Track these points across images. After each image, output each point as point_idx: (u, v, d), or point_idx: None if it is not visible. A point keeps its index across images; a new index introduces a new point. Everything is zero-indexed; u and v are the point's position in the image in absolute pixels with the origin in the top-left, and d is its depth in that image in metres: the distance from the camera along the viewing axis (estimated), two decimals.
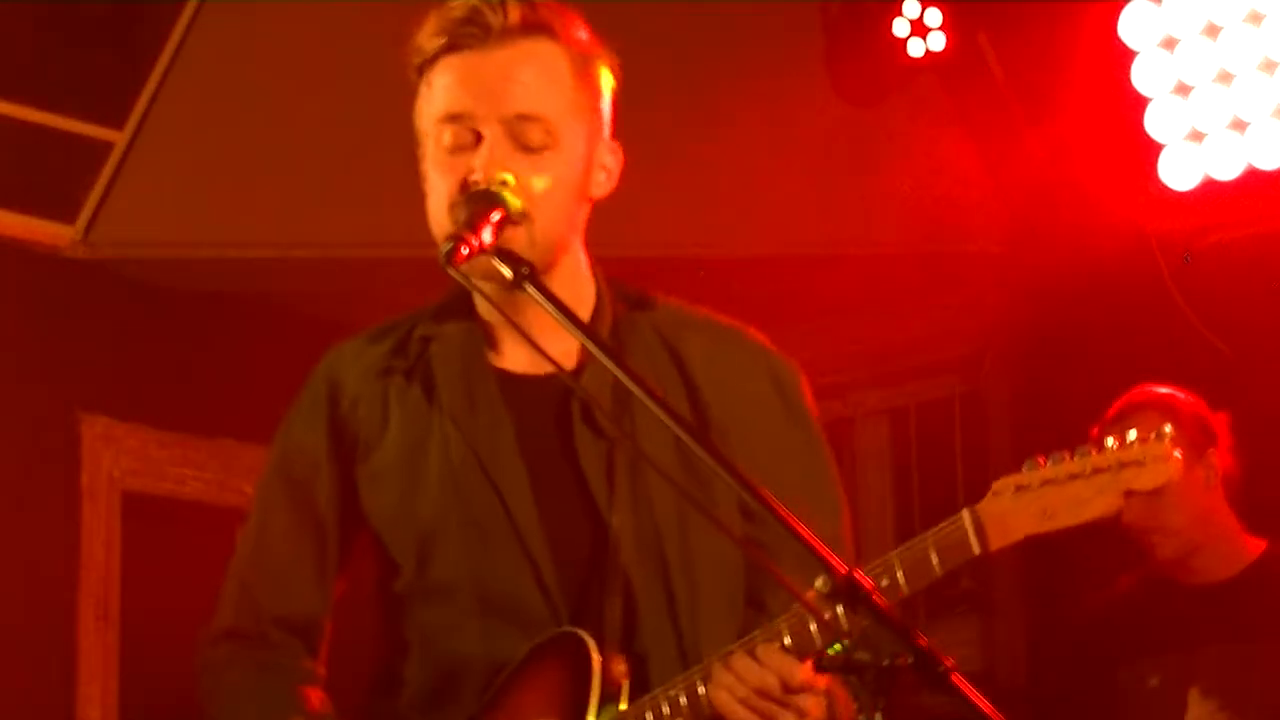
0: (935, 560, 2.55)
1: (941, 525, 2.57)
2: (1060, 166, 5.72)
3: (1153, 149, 5.39)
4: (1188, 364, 5.04)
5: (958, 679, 2.22)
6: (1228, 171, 5.31)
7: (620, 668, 2.71)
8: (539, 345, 2.61)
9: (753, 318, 7.26)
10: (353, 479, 2.88)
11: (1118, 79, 5.40)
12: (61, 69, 5.82)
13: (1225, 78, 5.31)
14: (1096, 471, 2.51)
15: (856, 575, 2.26)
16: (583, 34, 2.83)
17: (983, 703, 2.23)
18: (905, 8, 5.63)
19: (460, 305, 2.89)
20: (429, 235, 2.79)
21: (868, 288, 6.46)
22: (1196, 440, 4.42)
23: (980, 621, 6.44)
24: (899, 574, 2.56)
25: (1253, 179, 5.28)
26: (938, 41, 5.64)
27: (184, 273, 6.27)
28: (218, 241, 6.07)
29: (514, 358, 2.85)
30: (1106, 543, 4.63)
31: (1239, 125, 5.30)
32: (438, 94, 2.79)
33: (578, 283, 2.85)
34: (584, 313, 2.81)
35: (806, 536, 2.32)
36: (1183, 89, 5.36)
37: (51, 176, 5.95)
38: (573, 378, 2.78)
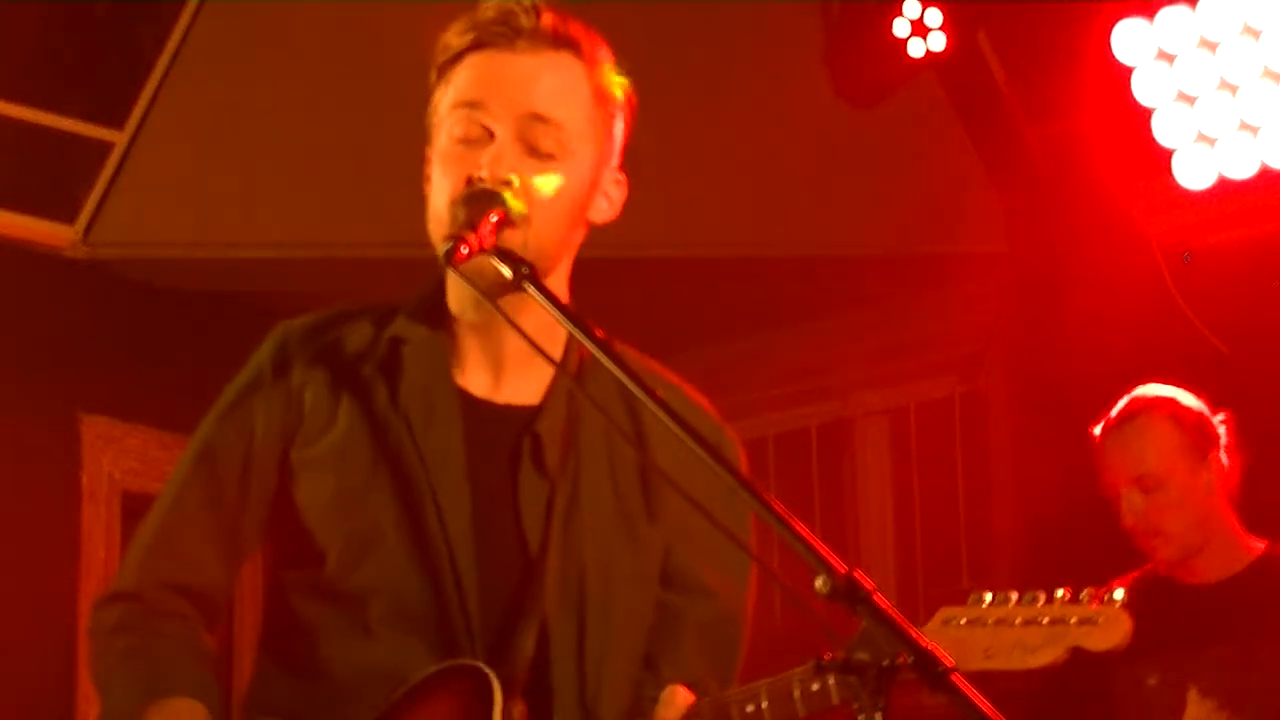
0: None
1: None
2: (1061, 166, 5.72)
3: (1159, 150, 5.38)
4: (1188, 364, 5.04)
5: (958, 679, 2.22)
6: (1242, 171, 5.30)
7: (518, 709, 2.68)
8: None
9: (752, 318, 7.27)
10: (288, 461, 2.83)
11: (1121, 80, 5.40)
12: (61, 69, 5.82)
13: (1229, 87, 5.30)
14: (1052, 622, 2.50)
15: (857, 575, 2.26)
16: (607, 60, 2.83)
17: (983, 703, 2.22)
18: (905, 8, 5.63)
19: (434, 311, 2.86)
20: (429, 235, 2.79)
21: (868, 288, 6.46)
22: (1198, 444, 4.42)
23: None
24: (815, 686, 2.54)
25: (1267, 178, 5.27)
26: (938, 41, 5.63)
27: (184, 273, 6.27)
28: (218, 241, 6.08)
29: (476, 380, 2.82)
30: (1106, 543, 4.64)
31: (1249, 129, 5.29)
32: (456, 86, 2.78)
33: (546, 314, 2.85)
34: (560, 341, 2.80)
35: (808, 537, 2.32)
36: (1186, 98, 5.35)
37: (51, 176, 5.96)
38: (530, 416, 2.78)
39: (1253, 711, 4.32)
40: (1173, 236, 5.52)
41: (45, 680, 5.93)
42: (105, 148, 5.91)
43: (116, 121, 5.89)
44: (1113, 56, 5.37)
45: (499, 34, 2.76)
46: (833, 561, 2.27)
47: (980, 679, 2.34)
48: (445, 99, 2.79)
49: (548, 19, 2.77)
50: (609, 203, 2.84)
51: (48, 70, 5.81)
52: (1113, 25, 5.37)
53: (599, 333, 2.61)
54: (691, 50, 5.77)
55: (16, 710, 5.79)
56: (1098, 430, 4.49)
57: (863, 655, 2.24)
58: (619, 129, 2.85)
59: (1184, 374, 4.59)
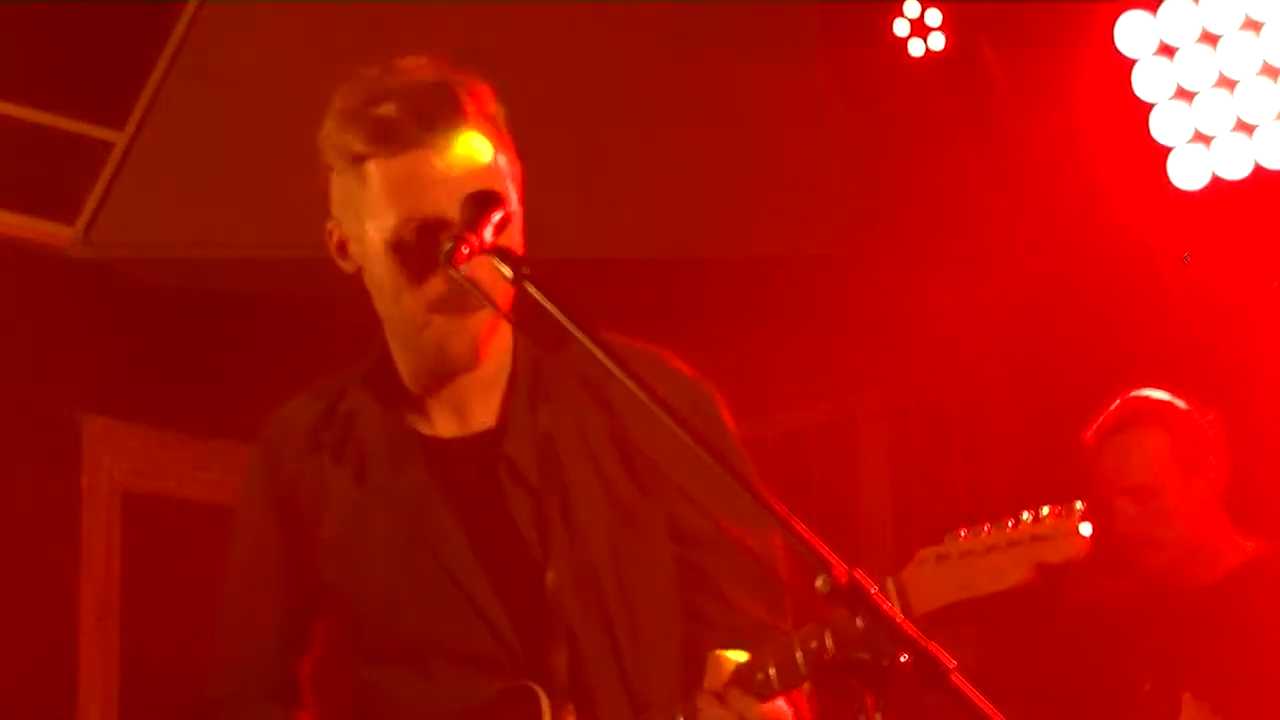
0: (859, 621, 2.58)
1: None
2: (1061, 166, 5.72)
3: (1157, 149, 5.38)
4: (1187, 364, 5.04)
5: (958, 679, 2.23)
6: (1236, 171, 5.30)
7: (569, 718, 2.74)
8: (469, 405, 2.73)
9: (752, 318, 7.27)
10: (308, 546, 2.93)
11: (1120, 80, 5.40)
12: (61, 69, 5.82)
13: (1227, 83, 5.30)
14: (1011, 545, 2.57)
15: (857, 575, 2.26)
16: (482, 101, 2.81)
17: (983, 703, 2.23)
18: (905, 8, 5.63)
19: (385, 372, 2.91)
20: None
21: (868, 288, 6.46)
22: (1191, 453, 4.42)
23: (980, 621, 6.43)
24: (826, 638, 2.60)
25: (1260, 179, 5.28)
26: (938, 41, 5.63)
27: (184, 273, 6.27)
28: (218, 241, 6.07)
29: (441, 423, 2.88)
30: (1099, 548, 4.63)
31: (1245, 128, 5.29)
32: (395, 195, 2.76)
33: (504, 330, 2.88)
34: (506, 360, 2.87)
35: (804, 534, 2.32)
36: (1185, 94, 5.35)
37: (51, 176, 5.96)
38: (494, 438, 2.83)
39: (1248, 713, 4.32)
40: (1169, 237, 5.53)
41: (46, 681, 5.94)
42: (105, 148, 5.91)
43: (116, 121, 5.89)
44: (1113, 54, 5.38)
45: (400, 135, 2.75)
46: (833, 561, 2.28)
47: (967, 610, 2.43)
48: (374, 205, 2.78)
49: (434, 108, 2.75)
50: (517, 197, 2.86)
51: (48, 70, 5.81)
52: (1113, 21, 5.37)
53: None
54: (690, 51, 5.77)
55: (17, 711, 5.79)
56: (1089, 435, 4.50)
57: (863, 655, 2.25)
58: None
59: (1181, 374, 4.59)
